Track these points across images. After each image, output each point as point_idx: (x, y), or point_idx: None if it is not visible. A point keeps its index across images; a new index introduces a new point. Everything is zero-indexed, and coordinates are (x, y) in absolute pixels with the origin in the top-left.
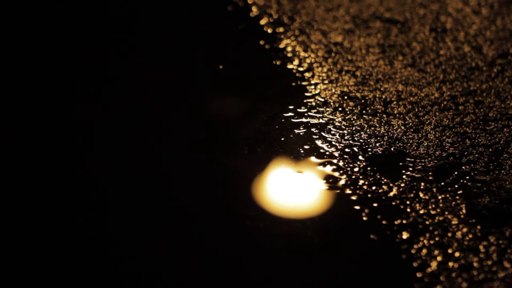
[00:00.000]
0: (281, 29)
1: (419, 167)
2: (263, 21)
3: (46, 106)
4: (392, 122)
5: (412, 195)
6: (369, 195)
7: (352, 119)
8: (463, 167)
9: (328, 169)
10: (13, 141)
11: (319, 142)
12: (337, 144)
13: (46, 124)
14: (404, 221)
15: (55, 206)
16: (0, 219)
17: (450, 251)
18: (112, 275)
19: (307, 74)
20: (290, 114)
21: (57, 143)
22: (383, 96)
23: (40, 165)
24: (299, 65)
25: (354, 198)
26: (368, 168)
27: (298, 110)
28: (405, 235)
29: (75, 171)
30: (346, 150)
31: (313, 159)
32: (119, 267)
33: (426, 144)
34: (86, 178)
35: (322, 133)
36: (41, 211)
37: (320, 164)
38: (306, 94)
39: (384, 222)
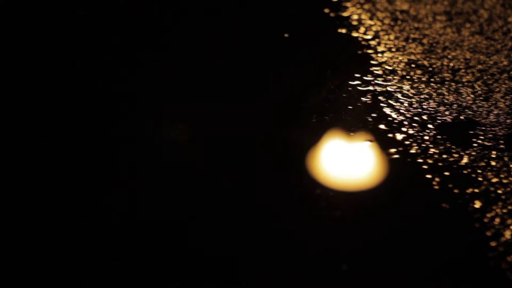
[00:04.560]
0: None
1: (489, 135)
2: None
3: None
4: (460, 90)
5: (483, 163)
6: (440, 164)
7: (420, 87)
8: None
9: (398, 137)
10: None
11: (387, 110)
12: (405, 112)
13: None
14: (476, 190)
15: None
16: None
17: None
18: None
19: (373, 42)
20: (357, 82)
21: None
22: (451, 64)
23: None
24: (365, 33)
25: (425, 166)
26: (438, 137)
27: (365, 78)
28: (477, 204)
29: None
30: (415, 118)
31: (382, 127)
32: (196, 243)
33: (496, 112)
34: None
35: (390, 101)
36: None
37: (389, 132)
38: (373, 62)
39: (455, 191)
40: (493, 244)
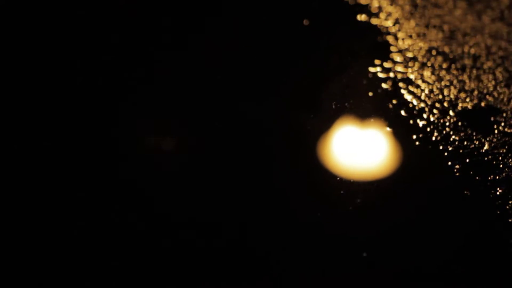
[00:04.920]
0: None
1: (511, 122)
2: None
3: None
4: (481, 77)
5: (504, 150)
6: (461, 151)
7: (440, 74)
8: None
9: (419, 124)
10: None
11: (408, 97)
12: (426, 99)
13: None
14: (497, 177)
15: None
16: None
17: None
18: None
19: (393, 29)
20: (377, 69)
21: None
22: (472, 51)
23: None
24: (385, 20)
25: (446, 153)
26: (459, 123)
27: (385, 65)
28: (498, 191)
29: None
30: (436, 105)
31: (402, 113)
32: (220, 234)
33: None
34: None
35: (410, 88)
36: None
37: (410, 119)
38: (393, 49)
39: (477, 177)
40: None
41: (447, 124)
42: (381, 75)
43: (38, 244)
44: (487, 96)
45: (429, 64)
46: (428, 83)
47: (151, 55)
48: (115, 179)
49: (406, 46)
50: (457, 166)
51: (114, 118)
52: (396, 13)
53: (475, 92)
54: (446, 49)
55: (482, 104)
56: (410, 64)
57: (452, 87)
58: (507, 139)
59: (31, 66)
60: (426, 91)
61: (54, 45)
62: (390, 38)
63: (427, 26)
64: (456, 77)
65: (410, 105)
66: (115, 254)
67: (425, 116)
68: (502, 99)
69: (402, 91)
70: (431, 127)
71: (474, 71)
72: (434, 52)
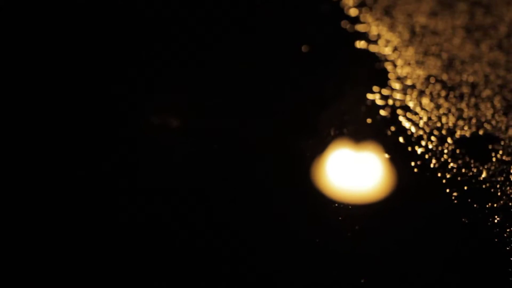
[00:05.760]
0: (364, 11)
1: (508, 150)
2: (346, 3)
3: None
4: (479, 105)
5: (502, 178)
6: (458, 178)
7: (438, 101)
8: None
9: (416, 151)
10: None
11: (406, 125)
12: (424, 126)
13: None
14: (495, 205)
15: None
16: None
17: None
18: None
19: (392, 57)
20: (375, 96)
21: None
22: (470, 79)
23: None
24: (384, 47)
25: (444, 181)
26: (457, 151)
27: (384, 92)
28: (496, 219)
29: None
30: (434, 132)
31: (400, 140)
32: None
33: None
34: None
35: (409, 115)
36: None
37: (408, 146)
38: (391, 76)
39: (475, 205)
40: None
41: (445, 151)
42: (379, 102)
43: (38, 244)
44: (485, 124)
45: (427, 91)
46: (426, 111)
47: (145, 75)
48: (115, 180)
49: (405, 74)
50: (455, 194)
51: (116, 119)
52: (394, 40)
53: (473, 120)
54: (445, 77)
55: (480, 132)
56: (409, 91)
57: (450, 115)
58: (505, 167)
59: (30, 66)
60: (424, 119)
61: (53, 45)
62: (388, 65)
63: (425, 54)
64: (454, 105)
65: (409, 132)
66: (115, 254)
67: (423, 143)
68: (500, 128)
69: (401, 118)
70: (429, 154)
71: (472, 99)
72: (432, 80)
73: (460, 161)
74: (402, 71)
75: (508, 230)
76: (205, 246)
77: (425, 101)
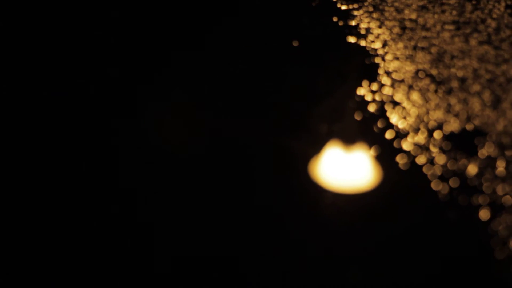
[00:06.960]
0: (354, 6)
1: (497, 145)
2: None
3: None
4: (468, 100)
5: (490, 173)
6: (446, 173)
7: (427, 96)
8: None
9: (404, 146)
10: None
11: (394, 120)
12: (412, 121)
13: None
14: (483, 200)
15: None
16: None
17: None
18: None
19: (381, 51)
20: (364, 91)
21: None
22: (459, 74)
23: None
24: (373, 42)
25: (431, 176)
26: (445, 146)
27: (373, 87)
28: (484, 215)
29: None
30: (422, 127)
31: (388, 136)
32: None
33: (504, 122)
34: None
35: (397, 110)
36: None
37: (396, 141)
38: (380, 71)
39: (462, 200)
40: (499, 255)
41: (433, 146)
42: (368, 97)
43: (38, 244)
44: (474, 119)
45: (416, 86)
46: (415, 105)
47: (141, 74)
48: (115, 180)
49: (394, 68)
50: (441, 189)
51: (115, 122)
52: (384, 35)
53: (462, 115)
54: (433, 72)
55: (468, 127)
56: (397, 86)
57: (438, 110)
58: (493, 162)
59: (30, 67)
60: (413, 113)
61: (54, 45)
62: (378, 60)
63: (415, 48)
64: (443, 99)
65: (397, 128)
66: (115, 254)
67: (410, 139)
68: (489, 122)
69: (389, 113)
70: (417, 149)
71: (461, 94)
72: (421, 75)
73: (448, 156)
74: (391, 65)
75: (495, 226)
76: (201, 246)
77: (414, 95)
